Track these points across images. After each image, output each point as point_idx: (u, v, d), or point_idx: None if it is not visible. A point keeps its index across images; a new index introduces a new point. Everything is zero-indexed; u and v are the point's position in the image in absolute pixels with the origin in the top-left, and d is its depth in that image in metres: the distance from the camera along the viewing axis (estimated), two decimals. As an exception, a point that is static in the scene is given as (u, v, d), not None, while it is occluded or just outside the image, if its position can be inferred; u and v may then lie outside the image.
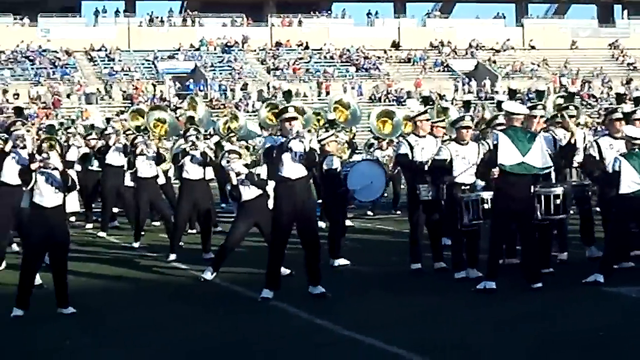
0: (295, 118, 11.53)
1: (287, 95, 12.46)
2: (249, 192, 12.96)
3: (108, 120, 23.46)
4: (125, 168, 18.15)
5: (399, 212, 22.10)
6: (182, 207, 15.48)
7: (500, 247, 11.75)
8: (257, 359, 8.76)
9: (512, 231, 12.15)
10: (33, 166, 10.68)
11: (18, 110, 13.66)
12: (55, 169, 10.63)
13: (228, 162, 13.25)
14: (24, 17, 68.35)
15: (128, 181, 18.30)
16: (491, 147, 11.78)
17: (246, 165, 13.27)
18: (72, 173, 11.05)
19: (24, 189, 10.94)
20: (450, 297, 11.51)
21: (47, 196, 10.71)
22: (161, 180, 18.15)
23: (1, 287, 12.52)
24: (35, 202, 10.73)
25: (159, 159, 16.71)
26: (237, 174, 12.99)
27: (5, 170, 12.90)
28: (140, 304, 11.89)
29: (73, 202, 11.15)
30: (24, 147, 12.75)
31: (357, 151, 20.12)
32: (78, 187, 11.62)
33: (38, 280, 11.79)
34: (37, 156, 10.92)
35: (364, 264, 14.28)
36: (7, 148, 12.77)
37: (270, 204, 12.31)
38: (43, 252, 10.97)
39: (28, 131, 13.19)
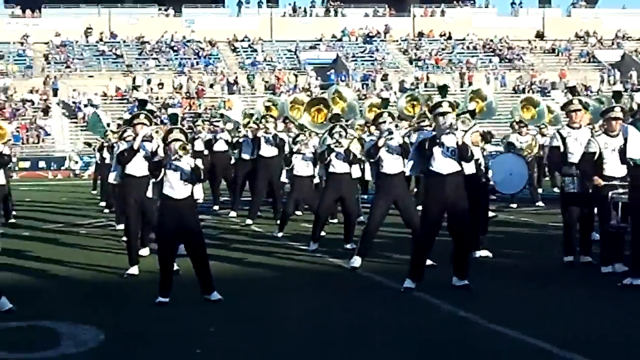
0: (448, 112, 11.49)
1: (443, 90, 12.30)
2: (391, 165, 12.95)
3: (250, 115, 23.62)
4: (283, 165, 18.23)
5: (541, 204, 21.77)
6: (326, 199, 15.47)
7: None
8: (400, 350, 8.65)
9: None
10: (155, 168, 10.85)
11: (142, 103, 13.80)
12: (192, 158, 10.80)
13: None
14: (169, 8, 69.83)
15: (283, 178, 18.41)
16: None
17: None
18: (199, 162, 11.15)
19: (151, 180, 11.13)
20: (596, 291, 11.26)
21: (177, 188, 10.85)
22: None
23: (147, 273, 12.76)
24: (165, 193, 10.89)
25: (314, 160, 16.78)
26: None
27: (131, 163, 13.08)
28: (282, 292, 11.92)
29: (198, 191, 11.20)
30: (150, 140, 12.99)
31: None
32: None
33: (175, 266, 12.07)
34: (160, 153, 11.10)
35: (506, 256, 14.07)
36: (136, 145, 12.91)
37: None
38: (175, 243, 11.10)
39: (156, 124, 13.31)
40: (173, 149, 10.83)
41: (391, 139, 12.77)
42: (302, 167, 17.13)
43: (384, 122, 12.98)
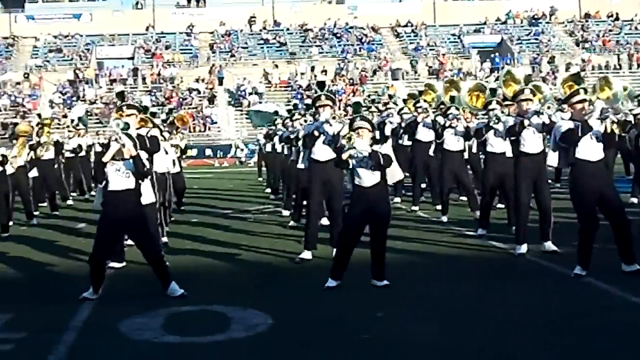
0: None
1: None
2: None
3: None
4: (433, 140, 18.18)
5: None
6: (488, 181, 15.16)
7: None
8: (569, 335, 8.37)
9: None
10: (344, 156, 10.80)
11: (320, 85, 13.84)
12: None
13: None
14: (332, -6, 70.19)
15: (431, 152, 18.28)
16: None
17: None
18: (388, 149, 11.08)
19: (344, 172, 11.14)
20: None
21: (364, 177, 10.81)
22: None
23: (317, 259, 12.80)
24: (356, 182, 10.87)
25: (467, 135, 16.61)
26: None
27: (316, 148, 13.09)
28: (448, 278, 11.79)
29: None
30: (331, 125, 12.98)
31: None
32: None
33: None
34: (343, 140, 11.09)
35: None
36: (317, 132, 12.97)
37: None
38: (362, 228, 11.04)
39: (333, 116, 13.34)
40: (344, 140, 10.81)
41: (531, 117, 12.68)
42: (453, 142, 16.97)
43: (527, 99, 12.87)
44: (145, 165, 10.71)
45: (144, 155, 10.96)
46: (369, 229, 11.02)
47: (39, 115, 26.86)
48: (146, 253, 10.80)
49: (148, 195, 11.90)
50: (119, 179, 10.55)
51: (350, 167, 10.82)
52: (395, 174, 11.35)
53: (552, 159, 11.74)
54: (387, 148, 11.00)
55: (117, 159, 10.53)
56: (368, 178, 10.80)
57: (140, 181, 10.68)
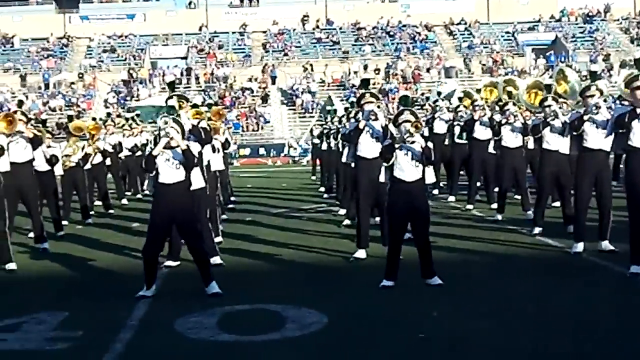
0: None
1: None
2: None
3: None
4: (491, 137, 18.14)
5: None
6: (544, 178, 15.01)
7: None
8: (627, 336, 8.25)
9: None
10: (395, 145, 10.78)
11: (364, 82, 13.83)
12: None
13: None
14: (385, -7, 70.05)
15: (490, 148, 18.13)
16: None
17: None
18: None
19: (384, 164, 11.04)
20: None
21: (407, 171, 10.76)
22: None
23: (372, 258, 12.77)
24: (395, 176, 10.82)
25: (525, 131, 16.49)
26: None
27: (362, 145, 13.05)
28: (504, 276, 11.73)
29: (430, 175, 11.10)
30: (376, 119, 12.93)
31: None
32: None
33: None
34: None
35: None
36: (361, 125, 12.94)
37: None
38: (406, 224, 11.00)
39: (378, 107, 13.29)
40: (404, 130, 10.76)
41: (597, 113, 12.48)
42: (511, 139, 16.89)
43: (592, 95, 12.73)
44: (195, 157, 10.75)
45: (195, 147, 11.01)
46: (410, 226, 10.99)
47: (94, 119, 26.98)
48: (191, 247, 10.86)
49: (198, 181, 11.90)
50: (169, 170, 10.60)
51: (394, 159, 10.78)
52: (432, 174, 11.29)
53: (608, 143, 11.67)
54: (430, 146, 10.95)
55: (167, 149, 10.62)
56: (411, 173, 10.74)
57: (189, 172, 10.74)
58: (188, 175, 10.74)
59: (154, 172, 10.70)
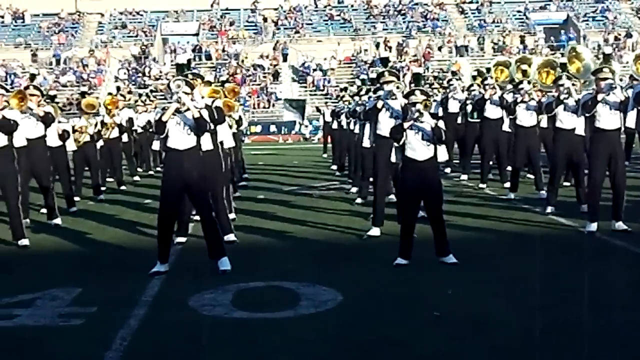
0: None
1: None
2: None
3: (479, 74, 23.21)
4: (502, 116, 18.06)
5: None
6: (557, 157, 14.95)
7: None
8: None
9: None
10: (406, 125, 10.79)
11: (384, 60, 13.78)
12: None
13: None
14: (398, -30, 69.65)
15: (506, 127, 18.06)
16: None
17: None
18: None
19: (395, 144, 11.02)
20: None
21: (418, 150, 10.80)
22: None
23: (386, 236, 12.72)
24: (408, 156, 10.83)
25: (539, 109, 16.42)
26: None
27: (381, 124, 13.02)
28: (517, 255, 11.73)
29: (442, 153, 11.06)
30: (396, 98, 12.90)
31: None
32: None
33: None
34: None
35: None
36: (380, 104, 12.92)
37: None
38: (417, 202, 11.01)
39: (397, 87, 13.25)
40: (414, 109, 10.75)
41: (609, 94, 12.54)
42: (526, 117, 16.82)
43: (606, 78, 12.70)
44: (207, 123, 10.68)
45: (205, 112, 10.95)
46: (423, 205, 10.98)
47: (110, 94, 26.88)
48: (202, 216, 10.84)
49: (206, 143, 11.76)
50: (179, 134, 10.56)
51: (404, 139, 10.75)
52: (444, 152, 11.23)
53: (630, 120, 11.67)
54: (441, 125, 10.91)
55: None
56: (422, 151, 10.74)
57: (200, 136, 10.69)
58: (199, 140, 10.69)
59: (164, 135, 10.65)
